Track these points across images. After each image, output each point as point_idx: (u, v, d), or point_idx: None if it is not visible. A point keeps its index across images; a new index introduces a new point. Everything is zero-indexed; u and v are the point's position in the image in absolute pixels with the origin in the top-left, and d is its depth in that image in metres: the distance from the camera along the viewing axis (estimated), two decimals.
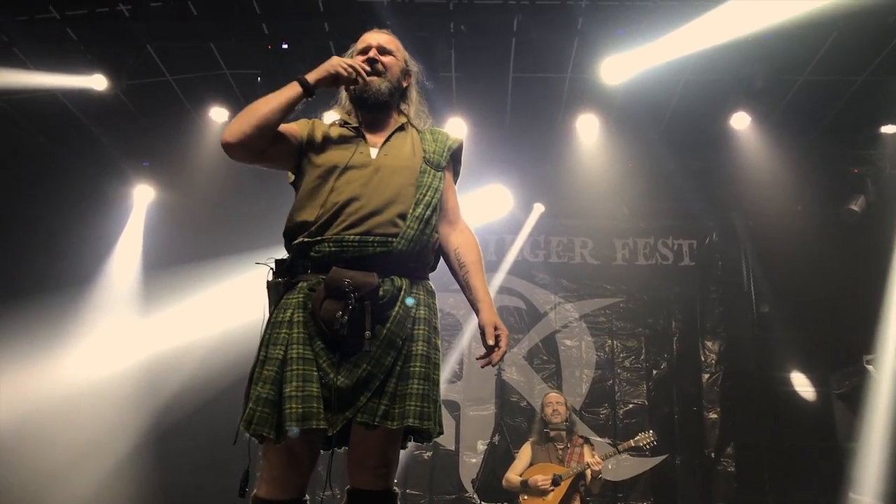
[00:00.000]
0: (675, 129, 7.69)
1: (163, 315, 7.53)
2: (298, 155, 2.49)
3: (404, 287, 2.31)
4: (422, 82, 2.74)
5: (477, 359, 2.46)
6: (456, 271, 2.55)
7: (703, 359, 7.95)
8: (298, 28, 6.22)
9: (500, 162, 7.60)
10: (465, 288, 2.53)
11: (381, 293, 2.24)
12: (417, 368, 2.27)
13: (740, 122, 7.11)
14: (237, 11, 6.12)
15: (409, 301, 2.32)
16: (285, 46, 6.10)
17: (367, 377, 2.21)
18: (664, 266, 8.32)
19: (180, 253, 7.59)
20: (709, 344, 8.00)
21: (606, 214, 8.21)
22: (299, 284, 2.30)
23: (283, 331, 2.24)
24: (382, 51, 2.60)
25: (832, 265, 7.57)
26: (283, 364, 2.19)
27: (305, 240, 2.32)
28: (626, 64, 6.10)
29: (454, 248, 2.54)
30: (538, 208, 8.16)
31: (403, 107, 2.66)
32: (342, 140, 2.48)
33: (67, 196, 7.70)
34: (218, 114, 7.27)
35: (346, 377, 2.19)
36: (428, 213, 2.39)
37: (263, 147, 2.38)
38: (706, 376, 7.88)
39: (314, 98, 2.43)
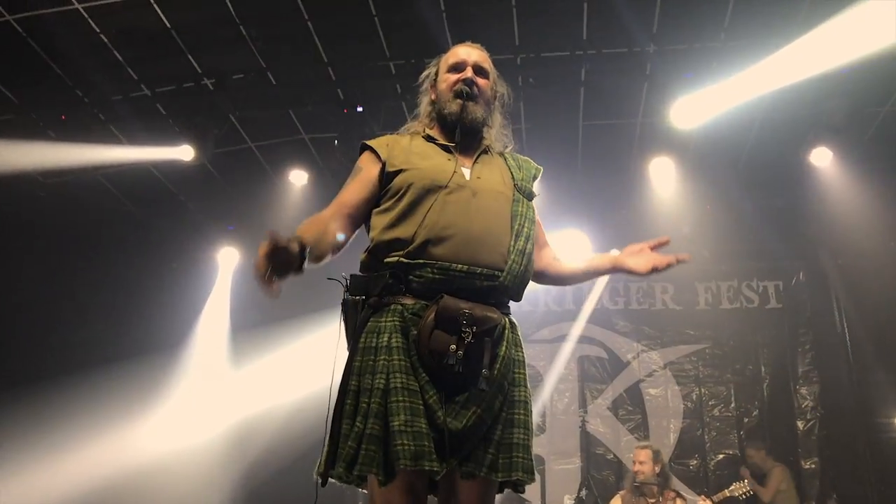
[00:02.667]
0: (753, 169, 7.53)
1: (249, 376, 7.70)
2: (380, 185, 2.32)
3: (507, 325, 2.18)
4: (507, 104, 2.60)
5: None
6: (559, 268, 2.50)
7: (796, 405, 7.61)
8: (372, 91, 6.43)
9: (574, 209, 7.58)
10: (579, 265, 2.48)
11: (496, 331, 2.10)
12: (521, 416, 2.13)
13: (821, 158, 6.91)
14: (313, 78, 6.39)
15: (511, 342, 2.18)
16: (360, 109, 6.31)
17: (478, 422, 2.02)
18: (750, 309, 8.07)
19: (265, 314, 7.79)
20: (802, 390, 7.66)
21: None
22: (393, 307, 2.12)
23: (382, 357, 2.03)
24: (479, 70, 2.45)
25: None
26: (385, 394, 1.98)
27: (404, 260, 2.14)
28: (698, 106, 6.05)
29: (550, 258, 2.50)
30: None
31: (485, 128, 2.50)
32: (431, 157, 2.34)
33: (157, 262, 8.06)
34: (297, 176, 7.53)
35: (454, 418, 2.00)
36: (529, 246, 2.27)
37: (357, 224, 2.33)
38: (801, 424, 7.53)
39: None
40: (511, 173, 2.42)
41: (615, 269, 2.44)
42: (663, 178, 7.37)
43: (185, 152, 6.54)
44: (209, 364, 8.01)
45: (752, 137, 7.16)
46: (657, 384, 7.96)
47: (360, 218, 2.34)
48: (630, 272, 2.39)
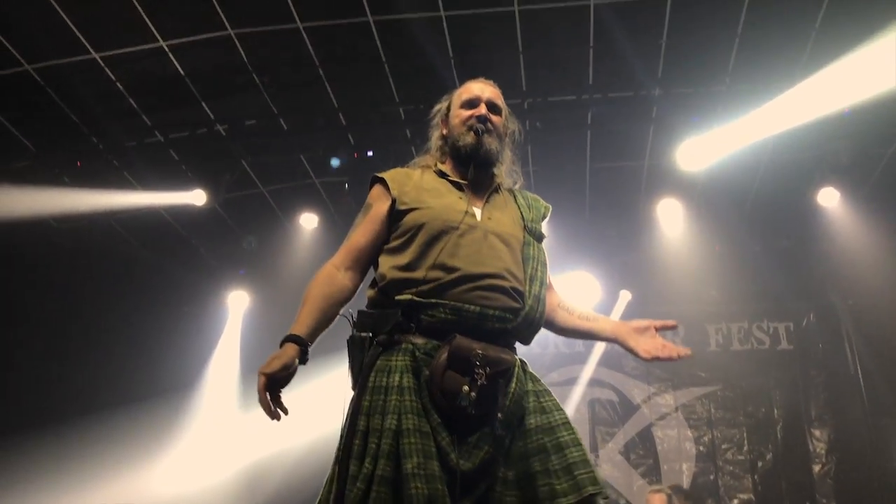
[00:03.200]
0: (761, 210, 7.56)
1: (259, 419, 7.65)
2: (390, 222, 2.30)
3: (518, 364, 2.14)
4: (517, 140, 2.58)
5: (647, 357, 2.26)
6: (566, 318, 2.40)
7: (811, 449, 7.52)
8: (382, 136, 6.53)
9: (582, 250, 7.60)
10: (585, 321, 2.39)
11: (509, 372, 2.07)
12: (568, 437, 2.05)
13: (829, 198, 6.94)
14: (324, 124, 6.50)
15: (524, 379, 2.14)
16: (370, 154, 6.40)
17: (489, 460, 1.97)
18: (761, 351, 8.01)
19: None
20: (817, 433, 7.57)
21: (696, 299, 8.02)
22: (403, 345, 2.08)
23: (393, 397, 1.98)
24: (492, 107, 2.43)
25: None
26: (397, 435, 1.93)
27: (415, 298, 2.10)
28: (704, 149, 6.12)
29: (556, 304, 2.41)
30: (625, 296, 8.05)
31: (497, 164, 2.47)
32: (443, 195, 2.31)
33: (169, 306, 8.10)
34: (308, 220, 7.61)
35: (466, 459, 1.95)
36: (543, 291, 2.25)
37: (367, 267, 2.32)
38: (817, 467, 7.43)
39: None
40: (521, 213, 2.40)
41: (616, 342, 2.33)
42: (671, 220, 7.40)
43: (197, 197, 6.62)
44: (220, 406, 7.99)
45: (759, 178, 7.20)
46: (669, 427, 7.88)
47: (371, 260, 2.33)
48: (630, 352, 2.30)
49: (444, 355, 1.99)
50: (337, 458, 2.00)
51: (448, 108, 2.51)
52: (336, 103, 6.44)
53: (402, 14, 5.65)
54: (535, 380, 2.19)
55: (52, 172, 6.57)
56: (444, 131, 2.50)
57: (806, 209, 7.16)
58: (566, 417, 2.12)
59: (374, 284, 2.26)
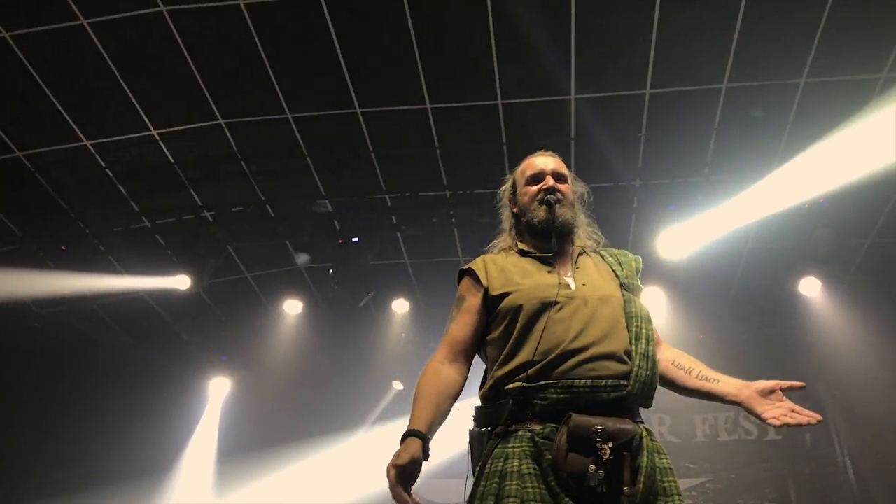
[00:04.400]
0: (745, 298, 7.62)
1: (238, 501, 7.48)
2: (486, 312, 2.27)
3: (645, 434, 2.03)
4: (597, 190, 2.56)
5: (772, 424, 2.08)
6: (683, 378, 2.27)
7: None
8: (367, 222, 6.59)
9: None
10: (705, 383, 2.23)
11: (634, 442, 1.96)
12: None
13: (810, 287, 7.02)
14: (310, 211, 6.57)
15: (652, 450, 2.03)
16: (356, 240, 6.45)
17: None
18: (748, 441, 7.91)
19: (255, 441, 7.65)
20: None
21: None
22: (520, 433, 2.01)
23: (513, 483, 1.92)
24: (557, 176, 2.44)
25: None
26: None
27: (524, 384, 2.05)
28: (685, 237, 6.21)
29: (671, 362, 2.30)
30: None
31: (575, 230, 2.45)
32: (532, 273, 2.28)
33: (149, 391, 7.97)
34: (291, 306, 7.60)
35: None
36: (651, 348, 2.15)
37: (471, 356, 2.27)
38: None
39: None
40: (614, 271, 2.36)
41: (740, 405, 2.17)
42: (654, 308, 7.40)
43: (181, 282, 6.61)
44: (194, 492, 7.76)
45: (742, 267, 7.29)
46: None
47: (473, 350, 2.29)
48: (757, 417, 2.13)
49: (564, 437, 1.93)
50: None
51: (514, 187, 2.52)
52: (323, 190, 6.52)
53: (389, 106, 5.80)
54: (662, 453, 2.08)
55: (36, 256, 6.56)
56: (515, 210, 2.49)
57: (789, 298, 7.23)
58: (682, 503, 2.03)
59: (484, 379, 2.22)
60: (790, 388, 2.13)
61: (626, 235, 6.97)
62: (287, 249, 7.17)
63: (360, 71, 5.51)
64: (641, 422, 2.11)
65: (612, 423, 1.93)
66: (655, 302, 7.37)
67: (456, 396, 2.21)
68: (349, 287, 6.55)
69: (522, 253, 2.37)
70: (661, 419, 8.06)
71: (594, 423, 1.92)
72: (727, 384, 2.21)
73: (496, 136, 5.97)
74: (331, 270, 6.51)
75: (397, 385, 7.99)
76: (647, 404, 2.15)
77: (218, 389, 8.32)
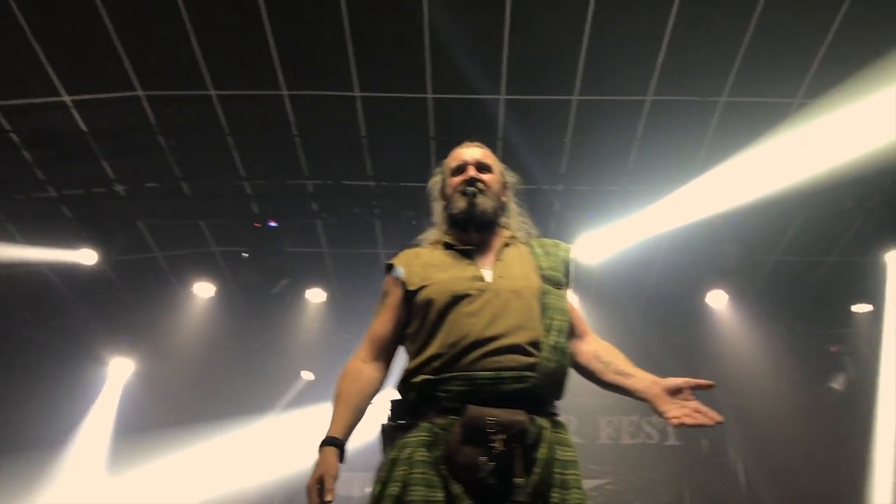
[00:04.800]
0: (655, 306, 7.83)
1: (133, 481, 7.25)
2: (407, 305, 2.25)
3: (546, 426, 2.03)
4: (519, 192, 2.53)
5: (673, 421, 2.05)
6: (601, 372, 2.26)
7: None
8: (287, 208, 6.45)
9: None
10: (620, 377, 2.23)
11: (527, 434, 1.96)
12: None
13: (717, 300, 7.28)
14: (228, 191, 6.38)
15: (553, 442, 2.03)
16: (273, 224, 6.31)
17: None
18: (649, 445, 8.16)
19: (155, 422, 7.41)
20: None
21: (589, 391, 8.00)
22: (423, 425, 2.03)
23: (401, 469, 1.96)
24: (481, 167, 2.41)
25: (819, 443, 7.47)
26: (398, 501, 1.91)
27: (429, 377, 2.07)
28: (601, 243, 6.34)
29: (592, 355, 2.29)
30: None
31: (504, 220, 2.43)
32: (451, 266, 2.26)
33: (45, 366, 7.61)
34: (202, 289, 7.39)
35: None
36: (562, 340, 2.14)
37: (393, 353, 2.28)
38: None
39: None
40: (539, 263, 2.32)
41: (646, 401, 2.19)
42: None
43: (86, 256, 6.33)
44: (86, 469, 7.48)
45: (654, 275, 7.49)
46: None
47: (395, 346, 2.29)
48: (660, 415, 2.15)
49: (458, 428, 1.94)
50: None
51: (443, 181, 2.49)
52: (243, 172, 6.35)
53: (317, 90, 5.69)
54: (566, 445, 2.08)
55: None
56: (444, 203, 2.45)
57: (697, 308, 7.48)
58: (582, 497, 2.01)
59: (400, 376, 2.21)
60: (698, 387, 2.12)
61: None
62: (201, 230, 6.96)
63: (290, 53, 5.38)
64: (555, 414, 2.13)
65: (505, 415, 1.93)
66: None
67: (374, 395, 2.21)
68: (263, 273, 6.42)
69: (447, 246, 2.35)
70: (567, 419, 8.19)
71: (488, 414, 1.92)
72: (640, 381, 2.21)
73: (424, 131, 5.94)
74: (245, 254, 6.34)
75: (307, 375, 7.87)
76: (557, 396, 2.15)
77: (119, 370, 8.01)
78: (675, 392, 2.12)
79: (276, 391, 7.86)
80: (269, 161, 6.28)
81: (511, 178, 2.52)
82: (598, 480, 7.99)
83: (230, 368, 7.78)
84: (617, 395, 2.28)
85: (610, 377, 2.26)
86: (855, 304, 7.63)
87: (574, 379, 2.35)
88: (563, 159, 6.25)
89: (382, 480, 1.98)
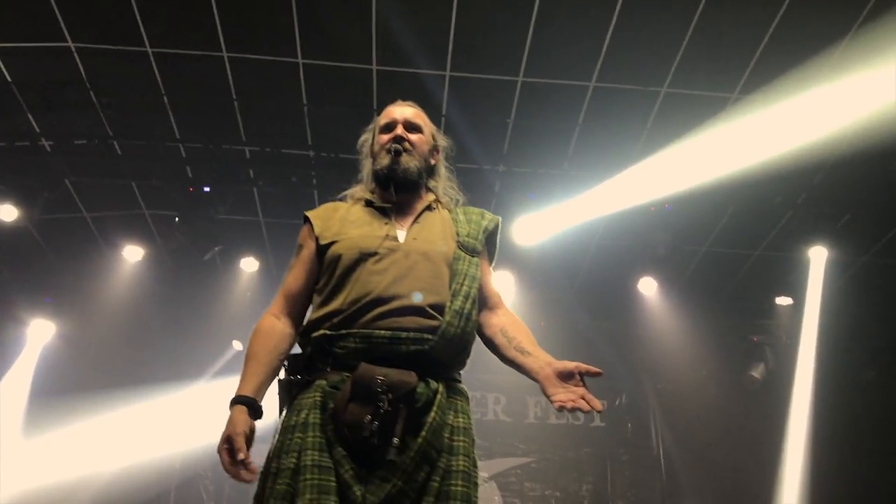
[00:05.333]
0: (588, 290, 7.96)
1: (51, 445, 7.04)
2: (319, 261, 2.23)
3: (440, 391, 2.01)
4: (451, 157, 2.52)
5: (557, 404, 1.99)
6: (504, 347, 2.22)
7: None
8: (223, 173, 6.30)
9: None
10: (519, 354, 2.17)
11: (416, 396, 1.94)
12: (459, 488, 1.94)
13: (648, 286, 7.45)
14: (162, 153, 6.19)
15: (446, 407, 2.02)
16: (207, 189, 6.15)
17: (398, 494, 1.87)
18: (575, 426, 8.30)
19: (77, 386, 7.19)
20: None
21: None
22: (316, 383, 2.01)
23: (297, 435, 1.94)
24: (409, 126, 2.37)
25: (736, 430, 7.74)
26: (295, 474, 1.89)
27: (327, 332, 2.05)
28: (539, 225, 6.39)
29: (499, 328, 2.25)
30: None
31: (432, 184, 2.42)
32: (366, 223, 2.24)
33: None
34: (132, 252, 7.18)
35: (373, 494, 1.86)
36: (468, 306, 2.13)
37: (306, 307, 2.24)
38: None
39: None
40: (457, 230, 2.30)
41: (538, 382, 2.14)
42: (501, 291, 7.59)
43: (7, 213, 6.06)
44: (1, 429, 7.22)
45: (589, 260, 7.60)
46: (482, 497, 7.86)
47: (307, 300, 2.26)
48: (548, 398, 2.11)
49: (348, 386, 1.93)
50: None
51: (372, 138, 2.46)
52: (178, 134, 6.17)
53: (259, 55, 5.55)
54: (459, 412, 2.06)
55: None
56: (371, 160, 2.43)
57: (628, 294, 7.62)
58: (468, 465, 2.00)
59: (301, 329, 2.19)
60: (588, 374, 2.09)
61: None
62: (132, 191, 6.74)
63: (232, 14, 5.23)
64: (456, 380, 2.12)
65: (396, 375, 1.92)
66: (504, 285, 7.54)
67: (288, 351, 2.19)
68: (195, 238, 6.25)
69: (367, 203, 2.34)
70: (496, 398, 8.31)
71: (378, 372, 1.91)
72: (535, 361, 2.15)
73: (368, 102, 5.86)
74: (177, 219, 6.17)
75: (237, 345, 7.75)
76: (457, 362, 2.15)
77: (39, 332, 7.73)
78: (566, 376, 2.07)
79: (205, 359, 7.71)
80: (206, 124, 6.10)
81: (443, 141, 2.49)
82: (524, 459, 8.12)
83: (158, 335, 7.60)
84: (544, 359, 2.27)
85: (510, 353, 2.22)
86: (778, 296, 7.89)
87: None
88: (506, 140, 6.26)
89: (279, 452, 1.96)
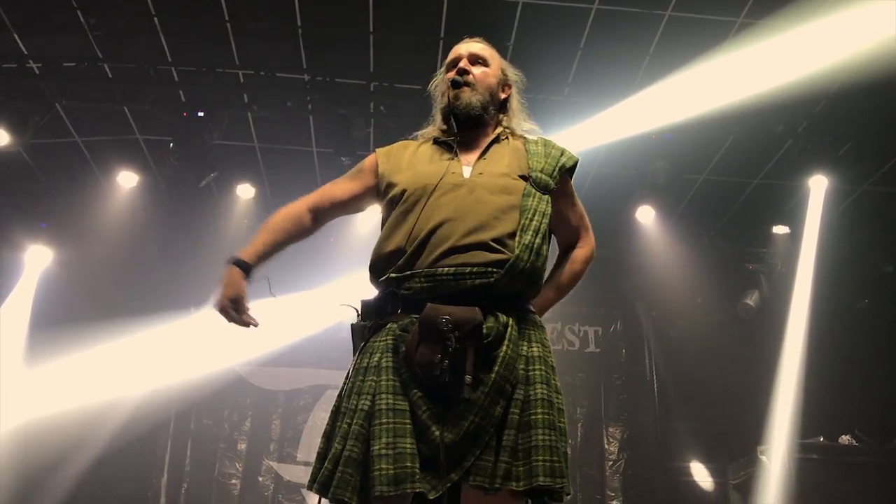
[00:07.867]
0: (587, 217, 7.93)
1: (49, 374, 7.09)
2: (377, 194, 2.29)
3: (511, 324, 1.99)
4: (523, 91, 2.50)
5: None
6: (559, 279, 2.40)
7: (606, 446, 8.00)
8: (216, 98, 6.18)
9: None
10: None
11: (485, 331, 1.92)
12: (540, 416, 1.94)
13: (645, 215, 7.43)
14: (154, 77, 6.06)
15: (518, 339, 2.02)
16: (201, 114, 6.04)
17: (476, 431, 1.87)
18: (570, 352, 8.41)
19: (76, 314, 7.20)
20: (612, 431, 8.07)
21: None
22: (388, 326, 2.02)
23: (370, 378, 1.95)
24: (474, 60, 2.36)
25: (729, 357, 7.84)
26: (370, 417, 1.90)
27: (393, 275, 2.04)
28: None
29: (558, 266, 2.45)
30: None
31: (504, 118, 2.39)
32: (432, 160, 2.23)
33: None
34: (126, 178, 7.12)
35: (451, 431, 1.87)
36: (538, 240, 2.08)
37: (333, 216, 2.36)
38: (609, 464, 7.92)
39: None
40: (530, 164, 2.24)
41: None
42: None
43: None
44: (2, 358, 7.28)
45: (587, 188, 7.52)
46: None
47: (337, 212, 2.35)
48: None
49: (417, 327, 1.93)
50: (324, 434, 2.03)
51: (443, 77, 2.45)
52: (170, 57, 6.02)
53: None
54: (533, 342, 2.06)
55: None
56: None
57: (625, 223, 7.61)
58: (547, 393, 2.00)
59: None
60: None
61: None
62: (125, 116, 6.62)
63: None
64: (529, 311, 2.12)
65: (460, 312, 1.91)
66: None
67: (296, 241, 2.28)
68: (190, 164, 6.17)
69: (435, 141, 2.33)
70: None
71: (443, 311, 1.90)
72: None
73: (364, 25, 5.70)
74: (171, 144, 6.08)
75: None
76: (528, 295, 2.13)
77: (36, 258, 7.71)
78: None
79: (202, 287, 7.72)
80: (199, 48, 5.95)
81: (515, 76, 2.46)
82: None
83: (155, 262, 7.60)
84: (540, 304, 2.32)
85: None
86: (776, 225, 7.88)
87: None
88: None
89: (349, 393, 2.00)
